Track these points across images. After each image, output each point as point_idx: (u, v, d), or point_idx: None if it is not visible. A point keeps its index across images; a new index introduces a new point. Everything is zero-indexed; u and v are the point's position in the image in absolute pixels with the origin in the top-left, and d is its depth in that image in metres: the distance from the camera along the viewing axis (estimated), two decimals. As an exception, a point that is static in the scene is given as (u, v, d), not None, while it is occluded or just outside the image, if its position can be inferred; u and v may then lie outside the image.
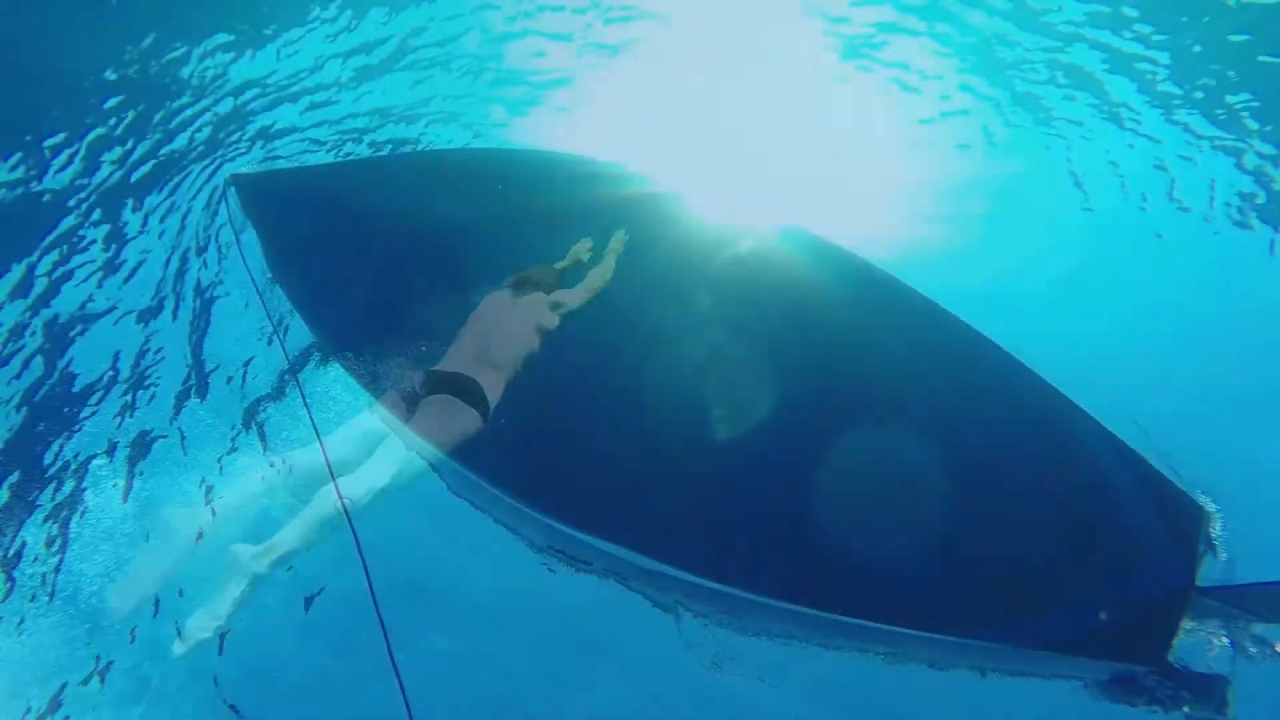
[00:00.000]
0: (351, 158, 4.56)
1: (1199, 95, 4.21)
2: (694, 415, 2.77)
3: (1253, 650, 2.39)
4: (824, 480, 2.59)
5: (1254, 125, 4.10)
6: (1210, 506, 2.52)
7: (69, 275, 4.13)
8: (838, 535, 2.48)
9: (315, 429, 2.79)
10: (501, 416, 2.85)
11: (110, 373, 3.77)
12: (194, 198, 4.42)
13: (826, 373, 2.84)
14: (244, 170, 4.25)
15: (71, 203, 4.43)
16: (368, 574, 2.26)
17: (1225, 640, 2.40)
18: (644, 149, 4.15)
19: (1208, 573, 2.41)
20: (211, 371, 3.71)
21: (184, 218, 4.34)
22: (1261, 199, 3.93)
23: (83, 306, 4.01)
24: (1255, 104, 4.13)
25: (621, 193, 3.59)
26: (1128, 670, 2.35)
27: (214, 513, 2.78)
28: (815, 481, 2.59)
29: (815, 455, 2.63)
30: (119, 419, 3.59)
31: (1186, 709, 2.35)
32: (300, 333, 3.57)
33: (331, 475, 2.48)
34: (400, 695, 2.11)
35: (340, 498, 2.43)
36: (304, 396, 3.03)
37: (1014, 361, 2.79)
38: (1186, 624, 2.33)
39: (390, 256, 3.48)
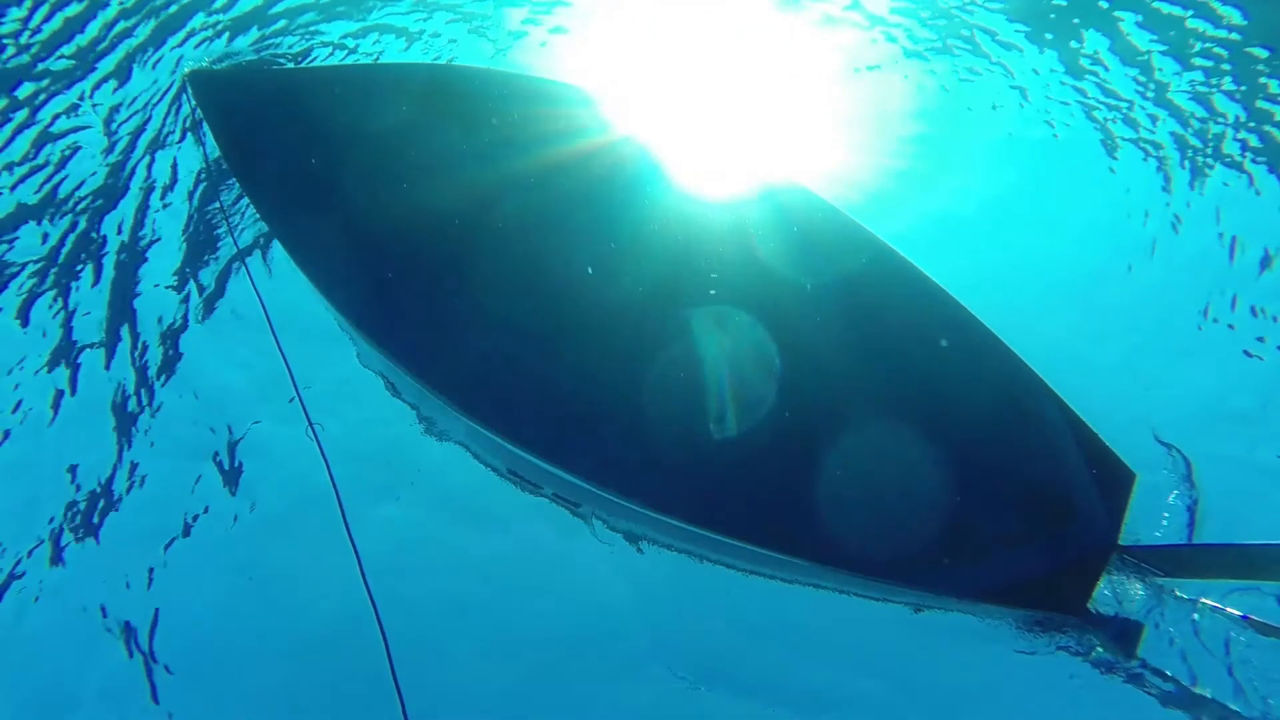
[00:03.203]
0: (324, 64, 4.34)
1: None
2: (644, 351, 2.76)
3: (1156, 600, 2.59)
4: (766, 424, 2.64)
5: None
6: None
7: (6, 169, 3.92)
8: (780, 477, 2.56)
9: (275, 336, 2.72)
10: (464, 340, 2.82)
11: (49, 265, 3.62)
12: (154, 100, 4.17)
13: (776, 319, 2.85)
14: (204, 66, 4.03)
15: (20, 94, 4.15)
16: (330, 473, 2.26)
17: (1138, 592, 2.58)
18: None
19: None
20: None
21: (145, 116, 4.11)
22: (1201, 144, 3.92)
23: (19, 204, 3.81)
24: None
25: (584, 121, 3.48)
26: (1048, 617, 2.51)
27: None
28: (759, 425, 2.64)
29: (761, 400, 2.67)
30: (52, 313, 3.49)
31: (1098, 649, 2.53)
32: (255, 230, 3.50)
33: (290, 375, 2.44)
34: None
35: (298, 395, 2.39)
36: (264, 307, 2.94)
37: (971, 318, 2.82)
38: (1106, 577, 2.48)
39: (348, 164, 3.36)
